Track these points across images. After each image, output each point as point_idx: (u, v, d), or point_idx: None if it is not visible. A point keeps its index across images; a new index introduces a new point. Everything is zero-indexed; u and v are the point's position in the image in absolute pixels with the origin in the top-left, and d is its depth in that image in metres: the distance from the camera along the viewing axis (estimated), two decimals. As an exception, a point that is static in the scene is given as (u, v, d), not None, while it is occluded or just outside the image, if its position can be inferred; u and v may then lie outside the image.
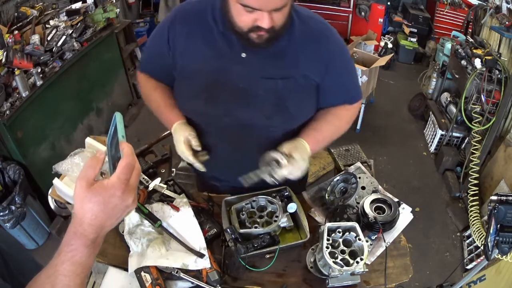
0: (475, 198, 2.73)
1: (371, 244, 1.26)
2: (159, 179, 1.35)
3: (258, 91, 1.17)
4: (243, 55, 1.14)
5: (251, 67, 1.15)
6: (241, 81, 1.16)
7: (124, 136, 0.70)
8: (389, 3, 5.29)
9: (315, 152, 1.26)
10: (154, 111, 1.35)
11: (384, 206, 1.29)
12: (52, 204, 1.90)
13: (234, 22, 1.06)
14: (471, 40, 3.37)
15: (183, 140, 1.24)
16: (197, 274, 1.15)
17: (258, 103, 1.19)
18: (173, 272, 1.14)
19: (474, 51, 3.12)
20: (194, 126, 1.28)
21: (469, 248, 2.63)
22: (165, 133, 1.80)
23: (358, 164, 1.55)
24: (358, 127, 3.76)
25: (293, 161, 1.15)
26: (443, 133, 3.38)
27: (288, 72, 1.17)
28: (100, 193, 0.63)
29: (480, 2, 3.72)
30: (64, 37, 2.79)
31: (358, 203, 1.34)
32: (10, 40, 2.50)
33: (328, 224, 1.15)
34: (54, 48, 2.71)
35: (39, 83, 2.47)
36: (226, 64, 1.16)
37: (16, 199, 2.24)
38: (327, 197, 1.39)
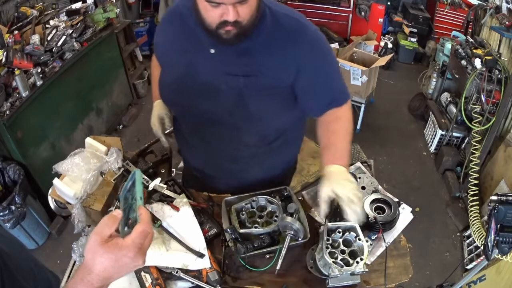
0: (475, 198, 2.73)
1: (371, 244, 1.26)
2: (159, 179, 1.35)
3: (220, 86, 1.19)
4: (212, 51, 1.16)
5: (216, 63, 1.17)
6: (205, 76, 1.19)
7: (142, 198, 0.74)
8: (389, 3, 5.29)
9: (348, 165, 1.20)
10: (152, 85, 1.55)
11: (384, 206, 1.29)
12: (52, 204, 1.91)
13: (203, 18, 1.07)
14: (471, 40, 3.37)
15: (158, 115, 1.45)
16: (197, 274, 1.15)
17: (220, 98, 1.21)
18: (173, 272, 1.14)
19: (474, 51, 3.11)
20: (174, 117, 1.44)
21: (469, 248, 2.63)
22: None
23: (358, 164, 1.55)
24: (358, 127, 3.76)
25: (350, 205, 1.08)
26: (443, 133, 3.38)
27: (252, 70, 1.17)
28: (113, 251, 0.68)
29: (480, 2, 3.71)
30: (64, 37, 2.79)
31: (358, 203, 1.34)
32: (10, 40, 2.50)
33: (328, 224, 1.15)
34: (54, 48, 2.71)
35: (39, 83, 2.47)
36: (196, 58, 1.20)
37: (16, 199, 2.24)
38: (327, 197, 1.39)
